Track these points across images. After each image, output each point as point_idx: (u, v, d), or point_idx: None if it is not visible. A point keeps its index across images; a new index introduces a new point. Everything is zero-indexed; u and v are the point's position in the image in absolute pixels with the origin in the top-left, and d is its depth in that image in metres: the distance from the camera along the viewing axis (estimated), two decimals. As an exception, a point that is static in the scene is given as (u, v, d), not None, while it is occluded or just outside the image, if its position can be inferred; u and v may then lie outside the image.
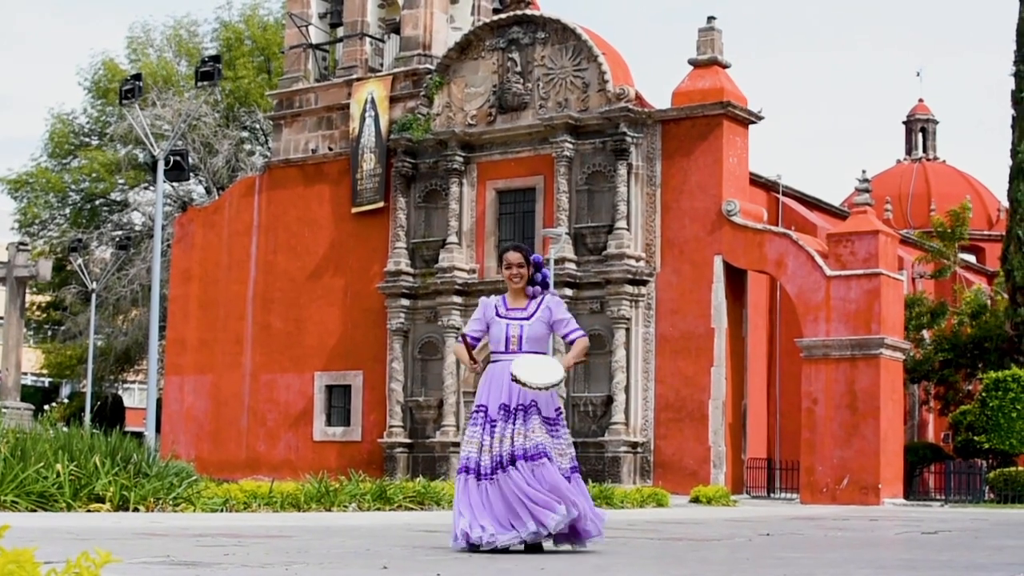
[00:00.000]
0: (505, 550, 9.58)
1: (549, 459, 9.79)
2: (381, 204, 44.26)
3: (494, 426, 9.90)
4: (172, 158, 32.66)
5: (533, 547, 9.77)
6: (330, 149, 46.47)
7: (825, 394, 37.24)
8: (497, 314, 10.28)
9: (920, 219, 58.27)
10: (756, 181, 42.86)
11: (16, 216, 64.68)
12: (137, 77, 34.35)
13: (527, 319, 10.23)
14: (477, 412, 10.06)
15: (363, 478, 20.53)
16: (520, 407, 9.91)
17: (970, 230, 54.08)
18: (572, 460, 10.06)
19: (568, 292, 39.95)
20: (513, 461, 9.75)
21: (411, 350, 43.25)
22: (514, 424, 9.87)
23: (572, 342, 10.35)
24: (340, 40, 48.13)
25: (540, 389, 9.85)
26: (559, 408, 10.21)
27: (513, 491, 9.67)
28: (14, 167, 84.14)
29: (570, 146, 40.84)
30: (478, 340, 10.36)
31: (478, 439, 9.90)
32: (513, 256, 10.39)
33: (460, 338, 10.42)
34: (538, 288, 10.39)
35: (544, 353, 10.27)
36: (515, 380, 9.80)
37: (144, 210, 63.65)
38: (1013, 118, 42.04)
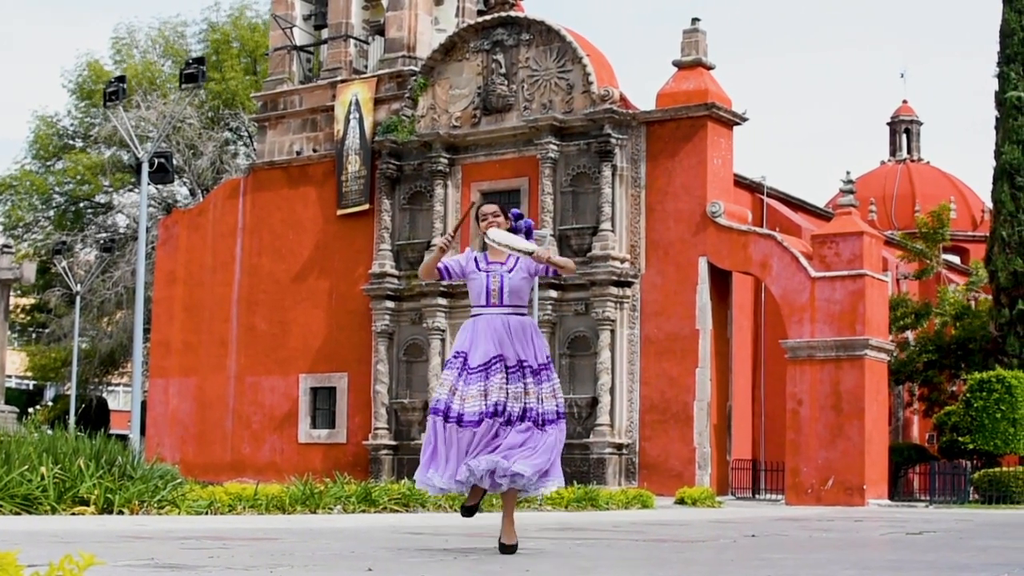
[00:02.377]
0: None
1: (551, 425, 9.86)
2: (366, 206, 44.25)
3: (474, 375, 9.79)
4: (156, 160, 32.60)
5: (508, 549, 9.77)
6: (314, 151, 46.44)
7: (810, 395, 37.29)
8: (477, 267, 10.13)
9: (904, 220, 58.39)
10: (740, 182, 42.91)
11: (0, 219, 64.56)
12: (121, 79, 34.28)
13: (508, 271, 10.08)
14: (456, 358, 9.93)
15: (348, 480, 20.51)
16: (526, 365, 9.88)
17: (954, 231, 54.20)
18: (558, 406, 10.01)
19: (553, 294, 39.99)
20: (523, 418, 9.75)
21: (396, 352, 43.23)
22: (523, 381, 9.86)
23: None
24: (324, 42, 48.10)
25: (512, 250, 9.83)
26: (548, 356, 10.15)
27: (513, 441, 9.69)
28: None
29: (554, 148, 40.85)
30: (448, 272, 10.26)
31: (451, 384, 9.81)
32: (488, 207, 10.28)
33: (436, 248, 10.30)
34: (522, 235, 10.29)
35: (526, 307, 10.21)
36: (490, 239, 9.81)
37: (128, 212, 63.58)
38: (997, 119, 42.13)
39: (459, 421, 9.67)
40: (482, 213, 10.27)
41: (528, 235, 10.25)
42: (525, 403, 9.77)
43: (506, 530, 9.74)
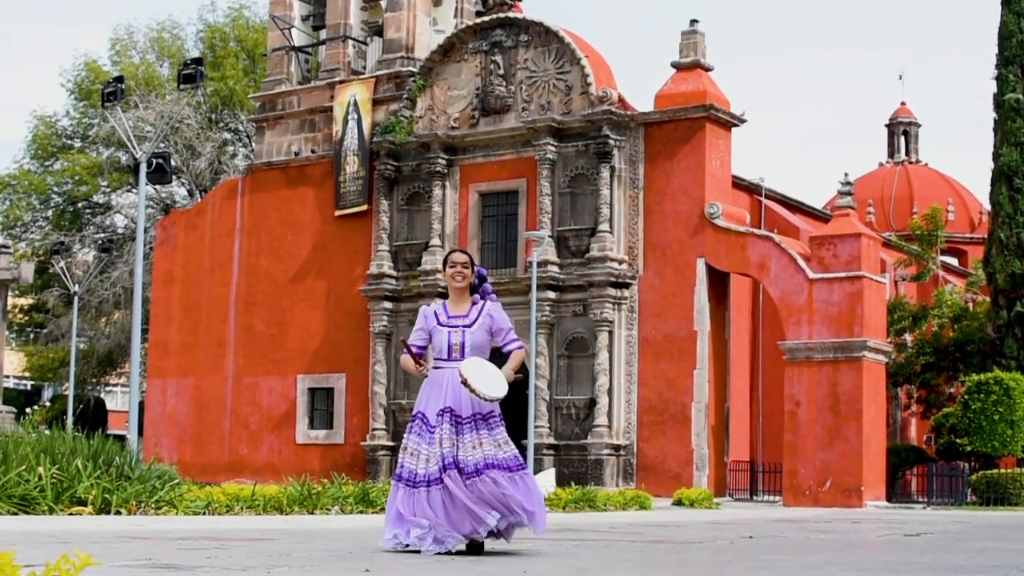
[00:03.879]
0: (447, 552, 9.59)
1: (524, 471, 9.84)
2: (365, 207, 44.24)
3: (432, 432, 9.81)
4: (154, 161, 32.55)
5: (475, 548, 9.75)
6: (313, 152, 46.43)
7: (808, 397, 37.29)
8: (439, 322, 10.21)
9: (902, 222, 58.38)
10: (738, 184, 42.92)
11: (-2, 218, 64.58)
12: (119, 79, 34.22)
13: (469, 326, 10.17)
14: (414, 420, 9.98)
15: (346, 481, 20.51)
16: (478, 415, 9.88)
17: (952, 233, 54.18)
18: (516, 453, 10.02)
19: (551, 295, 39.98)
20: (478, 471, 9.70)
21: (394, 353, 43.18)
22: (477, 432, 9.83)
23: (509, 353, 10.24)
24: (323, 43, 48.10)
25: (488, 400, 9.82)
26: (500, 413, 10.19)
27: (490, 493, 9.63)
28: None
29: (553, 149, 40.84)
30: (423, 350, 10.32)
31: (413, 447, 9.85)
32: (459, 256, 10.35)
33: (405, 350, 10.24)
34: (478, 296, 10.33)
35: (487, 359, 10.20)
36: (466, 385, 9.74)
37: (126, 213, 63.59)
38: (995, 121, 42.11)
39: (427, 483, 9.69)
40: (451, 261, 10.33)
41: (484, 296, 10.33)
42: (484, 452, 9.78)
43: None
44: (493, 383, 9.85)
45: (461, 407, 9.89)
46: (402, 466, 9.86)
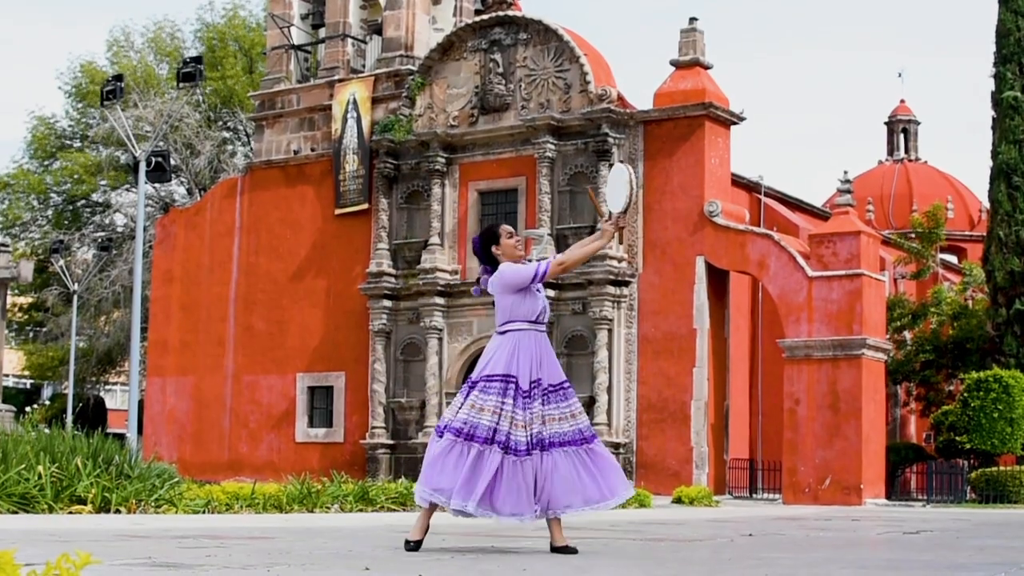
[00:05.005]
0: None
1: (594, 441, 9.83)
2: (364, 206, 44.23)
3: (528, 399, 9.64)
4: (154, 159, 32.59)
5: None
6: (312, 150, 46.41)
7: (807, 395, 37.29)
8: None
9: (902, 220, 58.39)
10: (738, 182, 42.92)
11: (-3, 218, 64.61)
12: (119, 78, 34.24)
13: (540, 291, 10.08)
14: (492, 380, 9.69)
15: (345, 479, 20.51)
16: (552, 386, 9.81)
17: (952, 231, 54.17)
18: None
19: (550, 293, 39.97)
20: (578, 442, 9.67)
21: (393, 351, 43.22)
22: (554, 404, 9.76)
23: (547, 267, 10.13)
24: (322, 41, 48.09)
25: (606, 211, 10.11)
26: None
27: (596, 463, 9.66)
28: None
29: (552, 147, 40.83)
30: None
31: (494, 406, 9.58)
32: (508, 227, 10.35)
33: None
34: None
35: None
36: (594, 197, 10.34)
37: (126, 211, 63.61)
38: (993, 119, 42.09)
39: (527, 451, 9.52)
40: (507, 231, 10.30)
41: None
42: (571, 424, 9.75)
43: (555, 534, 9.77)
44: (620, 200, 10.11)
45: (546, 376, 9.78)
46: (475, 425, 9.56)
